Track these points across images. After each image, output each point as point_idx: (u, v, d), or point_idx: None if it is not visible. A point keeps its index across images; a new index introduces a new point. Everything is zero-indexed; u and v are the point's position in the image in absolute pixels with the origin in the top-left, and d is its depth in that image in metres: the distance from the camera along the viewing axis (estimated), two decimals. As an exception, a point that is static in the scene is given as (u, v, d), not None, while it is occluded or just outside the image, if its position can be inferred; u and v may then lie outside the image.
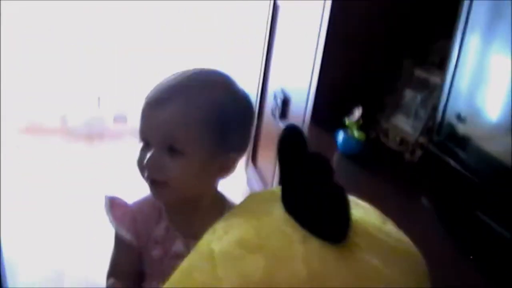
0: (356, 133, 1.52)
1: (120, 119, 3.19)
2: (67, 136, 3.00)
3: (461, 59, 1.35)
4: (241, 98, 0.90)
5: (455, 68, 1.37)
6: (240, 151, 0.90)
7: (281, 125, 1.83)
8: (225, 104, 0.85)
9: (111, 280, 0.94)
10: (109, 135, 3.12)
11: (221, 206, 0.94)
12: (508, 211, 1.14)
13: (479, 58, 1.32)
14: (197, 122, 0.82)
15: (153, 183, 0.86)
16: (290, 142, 0.56)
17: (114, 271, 0.97)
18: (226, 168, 0.89)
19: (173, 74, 0.86)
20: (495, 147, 1.23)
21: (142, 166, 0.85)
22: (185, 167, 0.83)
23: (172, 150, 0.82)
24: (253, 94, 2.64)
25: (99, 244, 2.11)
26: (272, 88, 2.38)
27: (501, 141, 1.23)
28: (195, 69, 0.88)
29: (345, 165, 1.55)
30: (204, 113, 0.83)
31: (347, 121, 1.54)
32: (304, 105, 1.87)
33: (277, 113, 2.17)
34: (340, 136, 1.56)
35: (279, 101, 2.16)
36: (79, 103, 3.04)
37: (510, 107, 1.17)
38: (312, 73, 1.80)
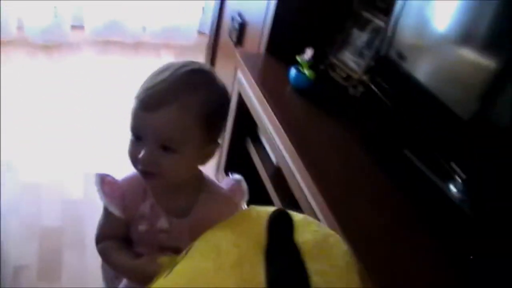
0: (306, 72, 1.68)
1: (77, 27, 3.20)
2: (25, 46, 3.01)
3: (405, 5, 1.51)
4: (223, 92, 0.99)
5: (398, 15, 1.53)
6: (220, 138, 1.01)
7: (238, 53, 1.96)
8: (213, 101, 0.94)
9: (102, 244, 1.06)
10: (66, 44, 3.14)
11: (199, 184, 1.05)
12: (431, 150, 1.37)
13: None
14: (190, 124, 0.91)
15: (146, 173, 0.94)
16: (279, 226, 0.72)
17: (103, 238, 1.07)
18: (211, 155, 1.00)
19: (161, 72, 0.92)
20: (430, 84, 1.42)
21: (134, 158, 0.93)
22: (177, 162, 0.93)
23: (165, 148, 0.91)
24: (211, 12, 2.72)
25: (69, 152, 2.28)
26: (231, 8, 2.45)
27: (436, 78, 1.43)
28: (181, 65, 0.93)
29: (295, 98, 1.73)
30: (196, 115, 0.91)
31: (299, 59, 1.69)
32: (260, 34, 1.99)
33: (234, 37, 2.28)
34: (292, 72, 1.72)
35: (236, 24, 2.26)
36: (36, 12, 3.02)
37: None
38: (268, 5, 1.91)
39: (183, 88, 0.91)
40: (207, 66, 1.00)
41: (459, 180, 1.27)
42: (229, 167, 2.02)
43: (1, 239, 1.78)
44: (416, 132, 1.44)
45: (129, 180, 1.03)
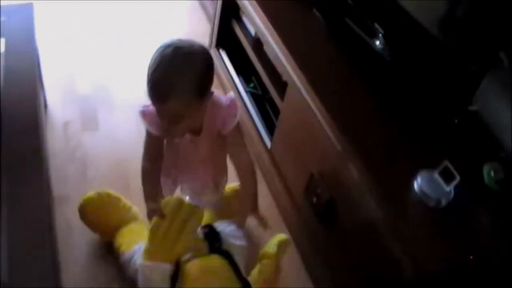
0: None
1: None
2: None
3: None
4: (206, 58, 1.29)
5: None
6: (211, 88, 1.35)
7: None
8: (201, 73, 1.27)
9: (144, 164, 1.49)
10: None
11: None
12: (361, 16, 1.91)
13: None
14: (190, 101, 1.27)
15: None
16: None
17: (146, 154, 1.49)
18: (208, 100, 1.35)
19: (158, 67, 1.23)
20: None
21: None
22: (189, 123, 1.34)
23: (178, 119, 1.30)
24: None
25: (105, 51, 2.77)
26: None
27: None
28: (172, 56, 1.23)
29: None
30: (193, 92, 1.26)
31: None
32: None
33: None
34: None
35: None
36: None
37: None
38: None
39: (179, 80, 1.24)
40: (188, 42, 1.28)
41: (380, 35, 1.84)
42: (219, 43, 2.57)
43: (48, 104, 2.35)
44: (353, 5, 1.97)
45: None
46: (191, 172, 1.61)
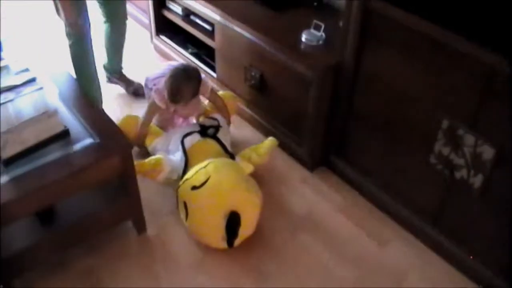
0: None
1: None
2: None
3: None
4: (197, 71, 2.52)
5: None
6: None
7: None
8: (198, 82, 2.46)
9: (146, 117, 2.58)
10: None
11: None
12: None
13: None
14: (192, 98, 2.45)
15: None
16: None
17: (148, 113, 2.57)
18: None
19: (177, 79, 2.37)
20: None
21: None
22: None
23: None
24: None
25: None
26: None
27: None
28: (183, 71, 2.42)
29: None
30: (194, 95, 2.44)
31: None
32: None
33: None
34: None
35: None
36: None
37: None
38: None
39: (187, 90, 2.41)
40: (184, 65, 2.55)
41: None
42: (158, 31, 3.56)
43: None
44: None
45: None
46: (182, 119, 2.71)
